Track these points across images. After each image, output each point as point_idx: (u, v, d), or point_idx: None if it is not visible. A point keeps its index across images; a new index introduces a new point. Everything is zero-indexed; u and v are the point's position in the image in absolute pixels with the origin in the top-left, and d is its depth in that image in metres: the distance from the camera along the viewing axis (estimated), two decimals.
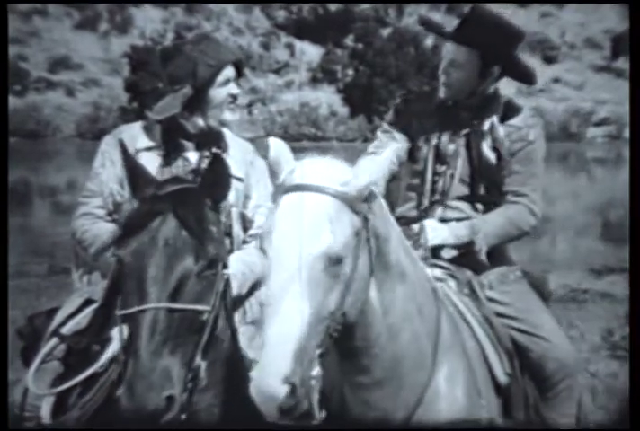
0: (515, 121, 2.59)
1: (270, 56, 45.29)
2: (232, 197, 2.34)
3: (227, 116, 2.54)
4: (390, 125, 2.71)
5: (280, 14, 45.90)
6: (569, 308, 5.95)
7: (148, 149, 2.51)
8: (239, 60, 2.57)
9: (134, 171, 2.06)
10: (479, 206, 2.60)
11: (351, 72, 44.75)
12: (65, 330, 2.37)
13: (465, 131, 2.58)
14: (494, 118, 2.58)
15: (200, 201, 2.02)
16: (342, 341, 1.89)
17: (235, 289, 2.20)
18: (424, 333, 2.09)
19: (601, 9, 48.99)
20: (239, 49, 2.67)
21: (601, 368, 4.43)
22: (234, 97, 2.53)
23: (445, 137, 2.59)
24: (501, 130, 2.56)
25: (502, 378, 2.28)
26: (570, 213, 13.92)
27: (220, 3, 43.25)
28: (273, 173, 1.93)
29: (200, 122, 2.52)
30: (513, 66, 2.58)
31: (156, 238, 1.93)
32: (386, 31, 45.09)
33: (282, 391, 1.68)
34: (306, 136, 41.09)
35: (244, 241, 2.45)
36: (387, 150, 2.02)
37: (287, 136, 41.50)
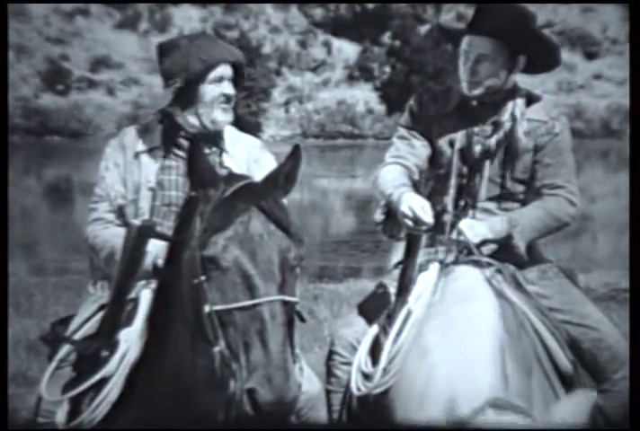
0: (539, 115, 2.54)
1: (307, 54, 45.34)
2: None
3: (219, 115, 2.50)
4: (407, 130, 2.62)
5: (318, 12, 45.91)
6: (610, 307, 5.84)
7: (149, 151, 2.52)
8: (238, 62, 2.54)
9: (201, 170, 2.02)
10: (508, 205, 2.56)
11: (387, 69, 44.54)
12: (77, 336, 2.39)
13: (488, 130, 2.53)
14: (517, 112, 2.52)
15: (270, 194, 2.00)
16: None
17: None
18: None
19: None
20: (240, 52, 2.63)
21: None
22: (227, 97, 2.49)
23: (470, 139, 2.54)
24: (524, 126, 2.51)
25: (567, 366, 2.25)
26: (611, 211, 13.68)
27: (258, 3, 43.43)
28: None
29: (195, 121, 2.51)
30: (540, 49, 2.51)
31: (249, 233, 1.92)
32: (423, 29, 44.77)
33: None
34: (342, 133, 41.04)
35: None
36: None
37: (323, 134, 41.53)
